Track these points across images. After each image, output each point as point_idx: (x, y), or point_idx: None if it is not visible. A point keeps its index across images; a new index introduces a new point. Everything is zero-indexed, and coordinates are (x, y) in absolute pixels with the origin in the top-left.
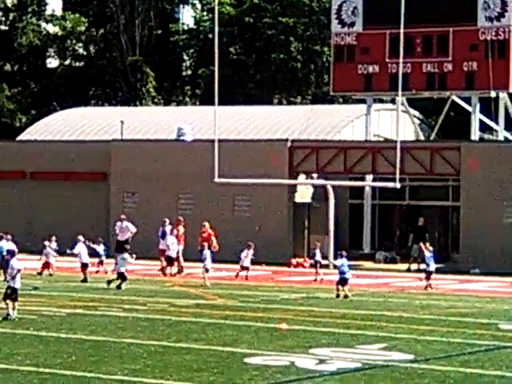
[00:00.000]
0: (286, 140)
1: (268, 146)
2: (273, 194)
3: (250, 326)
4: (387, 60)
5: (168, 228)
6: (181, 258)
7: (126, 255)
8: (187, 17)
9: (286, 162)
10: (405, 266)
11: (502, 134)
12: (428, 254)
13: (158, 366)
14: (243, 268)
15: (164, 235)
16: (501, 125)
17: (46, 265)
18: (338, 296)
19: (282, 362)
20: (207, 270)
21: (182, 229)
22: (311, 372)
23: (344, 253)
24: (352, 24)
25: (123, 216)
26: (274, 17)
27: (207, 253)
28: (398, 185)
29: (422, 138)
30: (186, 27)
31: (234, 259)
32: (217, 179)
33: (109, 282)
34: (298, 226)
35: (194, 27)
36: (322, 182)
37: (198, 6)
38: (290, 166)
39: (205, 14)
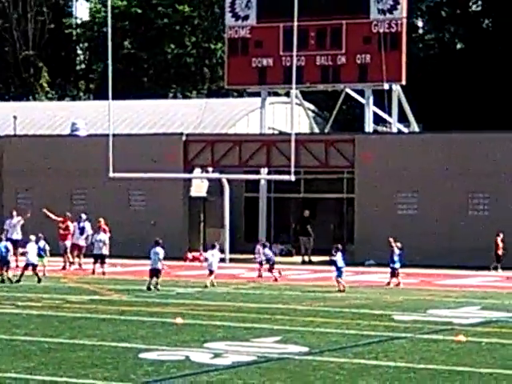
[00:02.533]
0: (181, 134)
1: (163, 139)
2: (168, 189)
3: (145, 322)
4: (281, 53)
5: (87, 224)
6: (68, 254)
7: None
8: (81, 10)
9: (181, 156)
10: (299, 259)
11: (396, 126)
12: (397, 252)
13: (51, 363)
14: (211, 272)
15: (82, 231)
16: (394, 117)
17: None
18: (340, 291)
19: (176, 357)
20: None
21: (70, 224)
22: (206, 366)
23: (340, 246)
24: (246, 17)
25: (14, 212)
26: (169, 6)
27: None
28: (292, 178)
29: (316, 130)
30: (79, 21)
31: (129, 254)
32: (111, 174)
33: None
34: (194, 219)
35: (88, 20)
36: (217, 175)
37: None
38: (185, 159)
39: (99, 6)
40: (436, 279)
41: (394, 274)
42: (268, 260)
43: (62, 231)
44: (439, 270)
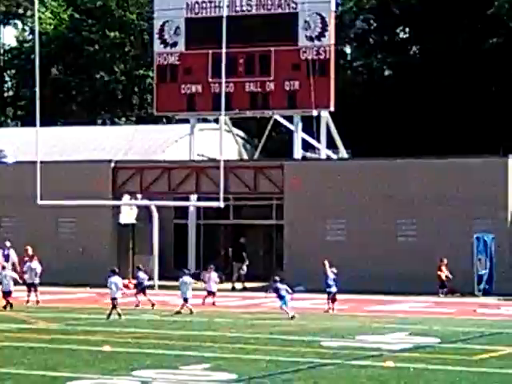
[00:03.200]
0: (110, 161)
1: (91, 166)
2: (97, 215)
3: (73, 350)
4: (210, 80)
5: (12, 252)
6: None
7: None
8: (8, 37)
9: (110, 183)
10: (229, 286)
11: (324, 152)
12: (331, 276)
13: None
14: (209, 293)
15: (7, 258)
16: (323, 143)
17: None
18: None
19: None
20: None
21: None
22: None
23: (278, 278)
24: (174, 44)
25: None
26: (98, 32)
27: None
28: (221, 204)
29: (245, 157)
30: (7, 47)
31: (58, 282)
32: (39, 201)
33: None
34: (123, 246)
35: (16, 47)
36: (146, 202)
37: (20, 25)
38: (114, 186)
39: (26, 34)
40: (365, 305)
41: (331, 298)
42: (139, 284)
43: None
44: (368, 295)
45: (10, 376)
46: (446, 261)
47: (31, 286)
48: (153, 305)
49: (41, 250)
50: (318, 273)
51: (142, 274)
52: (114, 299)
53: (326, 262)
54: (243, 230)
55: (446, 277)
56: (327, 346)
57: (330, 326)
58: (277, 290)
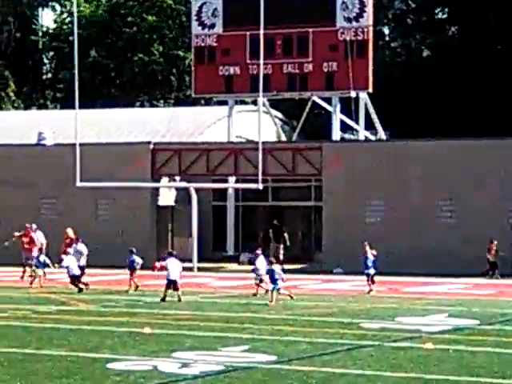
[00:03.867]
0: (149, 143)
1: (130, 148)
2: (136, 198)
3: (112, 332)
4: (248, 61)
5: (39, 234)
6: (33, 267)
7: None
8: (47, 19)
9: (149, 165)
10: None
11: (363, 133)
12: (371, 258)
13: (19, 375)
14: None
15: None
16: (361, 124)
17: None
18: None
19: (144, 367)
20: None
21: (34, 236)
22: (174, 376)
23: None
24: (212, 26)
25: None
26: (137, 15)
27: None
28: (260, 186)
29: (283, 138)
30: (45, 30)
31: (96, 264)
32: (78, 183)
33: None
34: (162, 229)
35: (54, 29)
36: (184, 184)
37: (58, 8)
38: (153, 168)
39: (65, 16)
40: (404, 286)
41: (371, 280)
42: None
43: (26, 245)
44: (407, 277)
45: (50, 358)
46: (495, 242)
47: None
48: (136, 287)
49: (80, 232)
50: (357, 254)
51: (135, 258)
52: (173, 282)
53: (366, 244)
54: (281, 211)
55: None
56: (366, 327)
57: (369, 307)
58: (271, 273)
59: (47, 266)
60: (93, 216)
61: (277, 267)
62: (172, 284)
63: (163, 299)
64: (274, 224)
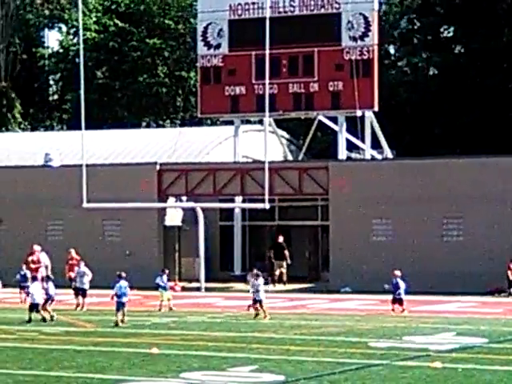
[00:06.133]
0: (155, 163)
1: (137, 169)
2: (143, 218)
3: (120, 352)
4: (254, 81)
5: (43, 255)
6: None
7: None
8: (53, 41)
9: (155, 186)
10: (277, 287)
11: (369, 152)
12: (402, 286)
13: None
14: (255, 301)
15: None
16: (367, 143)
17: None
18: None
19: None
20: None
21: (40, 256)
22: None
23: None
24: (218, 46)
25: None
26: (141, 40)
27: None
28: (267, 205)
29: (290, 158)
30: (51, 51)
31: (103, 285)
32: (85, 204)
33: None
34: (169, 249)
35: (61, 51)
36: (191, 204)
37: (64, 29)
38: (160, 189)
39: (71, 37)
40: (412, 305)
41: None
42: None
43: (32, 265)
44: (415, 296)
45: (58, 379)
46: None
47: (80, 291)
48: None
49: (87, 253)
50: (364, 274)
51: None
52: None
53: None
54: (288, 231)
55: None
56: (374, 346)
57: (377, 326)
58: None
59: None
60: (100, 237)
61: (261, 281)
62: (35, 307)
63: (29, 321)
64: (276, 242)
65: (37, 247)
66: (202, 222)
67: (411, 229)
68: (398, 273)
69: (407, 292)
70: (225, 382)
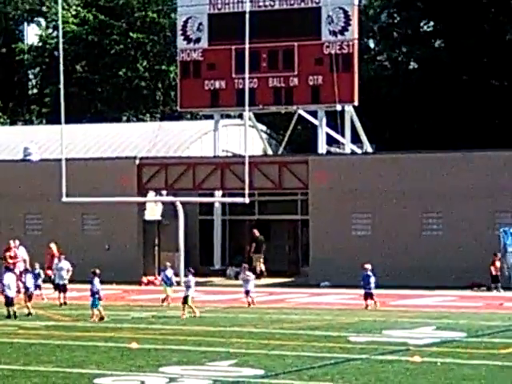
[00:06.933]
0: (135, 157)
1: (116, 163)
2: (122, 212)
3: (99, 347)
4: (233, 75)
5: (22, 249)
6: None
7: None
8: (32, 35)
9: (135, 180)
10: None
11: (349, 146)
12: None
13: None
14: (247, 293)
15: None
16: (347, 138)
17: None
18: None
19: (132, 382)
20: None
21: (17, 251)
22: None
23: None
24: (198, 40)
25: None
26: (121, 33)
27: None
28: (246, 200)
29: (270, 152)
30: (30, 45)
31: (82, 279)
32: (64, 199)
33: None
34: (149, 243)
35: (40, 45)
36: (171, 198)
37: (43, 23)
38: (139, 183)
39: (50, 31)
40: (391, 299)
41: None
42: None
43: (10, 260)
44: (394, 290)
45: (37, 373)
46: (499, 255)
47: (59, 287)
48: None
49: (66, 248)
50: (344, 268)
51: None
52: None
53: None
54: (268, 225)
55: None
56: (354, 340)
57: (357, 321)
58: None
59: None
60: (79, 231)
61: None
62: (10, 301)
63: (8, 316)
64: (254, 236)
65: (12, 243)
66: (181, 216)
67: (391, 223)
68: (368, 266)
69: (378, 286)
70: (204, 376)
